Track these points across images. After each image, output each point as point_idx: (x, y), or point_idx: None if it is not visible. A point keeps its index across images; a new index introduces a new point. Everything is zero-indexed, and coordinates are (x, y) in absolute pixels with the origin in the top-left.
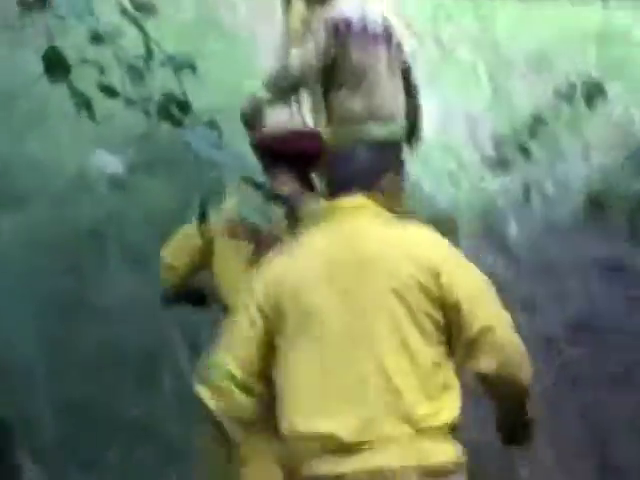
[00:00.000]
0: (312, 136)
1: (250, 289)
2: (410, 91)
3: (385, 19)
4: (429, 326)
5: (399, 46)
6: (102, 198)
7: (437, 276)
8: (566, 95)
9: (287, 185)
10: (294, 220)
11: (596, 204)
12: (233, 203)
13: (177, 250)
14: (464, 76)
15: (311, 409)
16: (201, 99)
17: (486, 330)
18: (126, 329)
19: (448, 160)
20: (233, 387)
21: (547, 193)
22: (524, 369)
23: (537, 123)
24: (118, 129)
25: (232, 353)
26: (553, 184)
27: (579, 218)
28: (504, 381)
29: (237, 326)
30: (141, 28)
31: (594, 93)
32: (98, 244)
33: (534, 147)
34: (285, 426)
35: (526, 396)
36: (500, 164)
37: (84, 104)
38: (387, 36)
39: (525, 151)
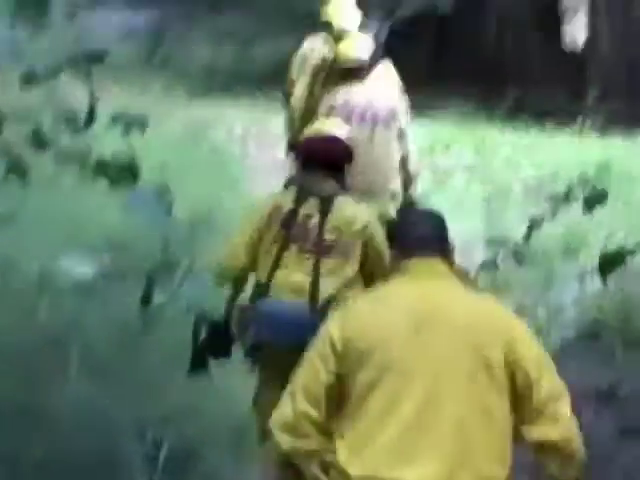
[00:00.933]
0: (336, 143)
1: (327, 332)
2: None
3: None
4: (505, 384)
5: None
6: (67, 303)
7: (512, 341)
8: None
9: (322, 183)
10: (325, 213)
11: (590, 332)
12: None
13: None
14: (458, 203)
15: (394, 458)
16: (183, 208)
17: (552, 400)
18: (79, 438)
19: None
20: (310, 426)
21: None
22: (579, 444)
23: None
24: (94, 232)
25: (306, 394)
26: (545, 310)
27: (571, 345)
28: (562, 452)
29: (310, 367)
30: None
31: (595, 198)
32: (58, 351)
33: (526, 271)
34: (360, 469)
35: (579, 469)
36: (489, 289)
37: (13, 164)
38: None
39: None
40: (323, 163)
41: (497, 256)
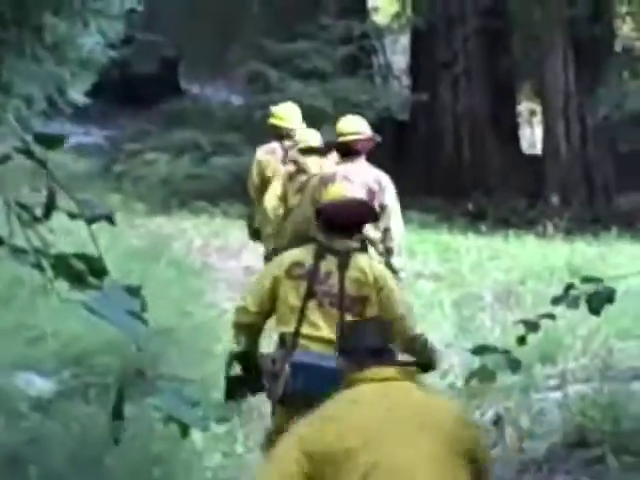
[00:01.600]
0: (360, 206)
1: (297, 433)
2: None
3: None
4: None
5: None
6: (24, 421)
7: (472, 436)
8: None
9: (341, 241)
10: (344, 269)
11: (576, 439)
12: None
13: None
14: (427, 308)
15: None
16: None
17: None
18: None
19: None
20: None
21: (522, 426)
22: None
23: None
24: (52, 344)
25: None
26: (528, 416)
27: (558, 453)
28: None
29: (279, 463)
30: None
31: (602, 297)
32: (16, 471)
33: (506, 376)
34: None
35: None
36: (467, 394)
37: None
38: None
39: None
40: (348, 225)
41: (488, 364)
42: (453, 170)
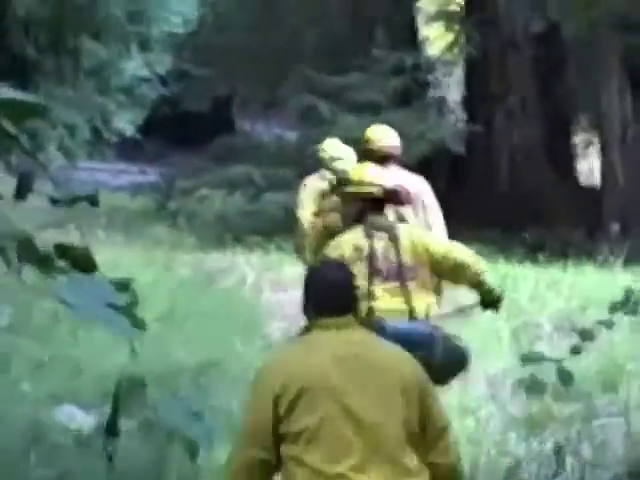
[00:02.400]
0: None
1: (263, 379)
2: None
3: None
4: (416, 414)
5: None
6: (64, 455)
7: (416, 374)
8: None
9: (384, 219)
10: (397, 242)
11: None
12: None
13: None
14: (485, 339)
15: (335, 459)
16: (192, 352)
17: (444, 430)
18: None
19: (466, 418)
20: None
21: (584, 456)
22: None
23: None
24: (92, 384)
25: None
26: (590, 446)
27: None
28: (452, 476)
29: (251, 411)
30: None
31: None
32: None
33: (565, 405)
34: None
35: None
36: (526, 424)
37: None
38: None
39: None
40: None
41: (544, 385)
42: (510, 202)
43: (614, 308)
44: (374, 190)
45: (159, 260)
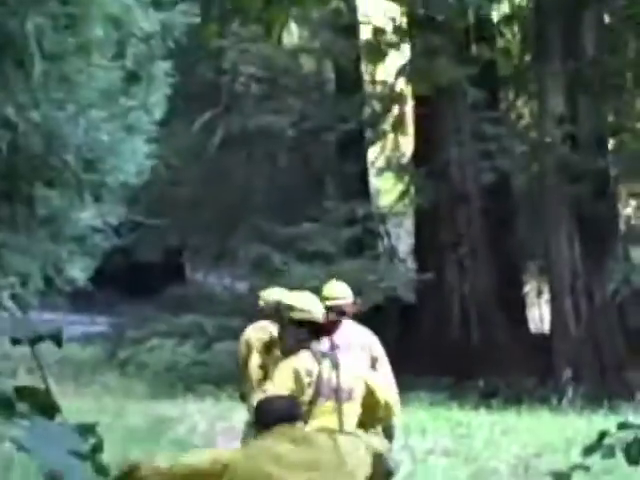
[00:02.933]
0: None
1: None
2: None
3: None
4: None
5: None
6: None
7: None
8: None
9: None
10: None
11: None
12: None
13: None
14: None
15: None
16: None
17: None
18: None
19: None
20: None
21: None
22: None
23: None
24: None
25: None
26: None
27: None
28: None
29: None
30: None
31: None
32: None
33: None
34: None
35: None
36: None
37: None
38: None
39: None
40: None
41: None
42: (462, 350)
43: (588, 451)
44: (319, 317)
45: (110, 408)
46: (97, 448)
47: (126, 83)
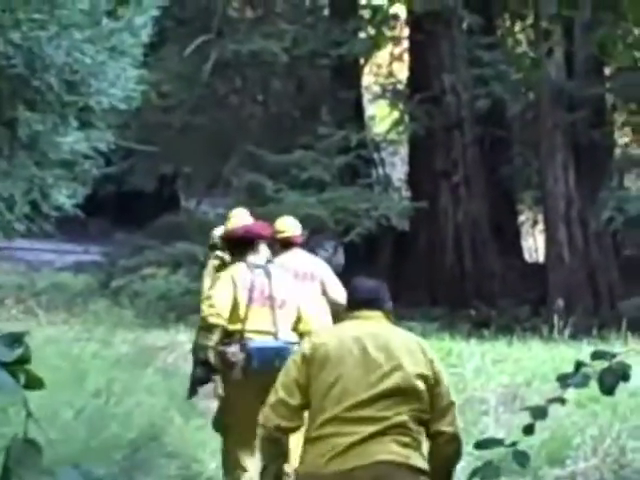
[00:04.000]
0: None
1: (301, 351)
2: None
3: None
4: (423, 387)
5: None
6: None
7: (431, 362)
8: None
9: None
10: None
11: None
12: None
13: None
14: None
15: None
16: (129, 427)
17: (451, 405)
18: None
19: None
20: (284, 408)
21: None
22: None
23: None
24: None
25: (284, 388)
26: None
27: None
28: (453, 441)
29: (288, 372)
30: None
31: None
32: None
33: (512, 478)
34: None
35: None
36: None
37: None
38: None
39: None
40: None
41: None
42: (455, 279)
43: (563, 380)
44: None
45: (99, 336)
46: (25, 359)
47: (111, 4)
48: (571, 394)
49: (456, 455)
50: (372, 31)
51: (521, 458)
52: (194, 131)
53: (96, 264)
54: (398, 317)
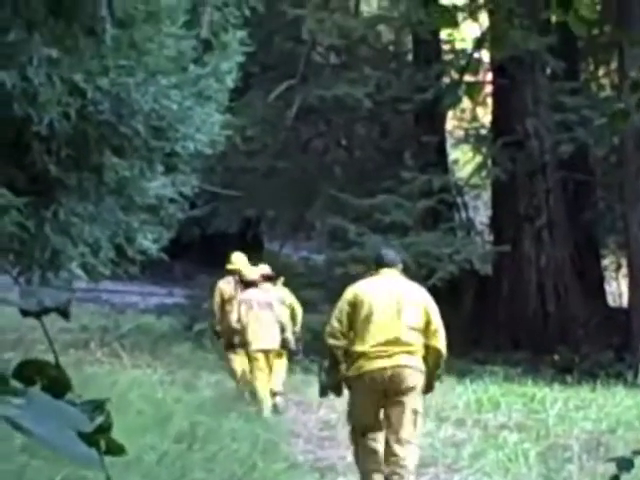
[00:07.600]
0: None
1: (345, 296)
2: None
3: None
4: (423, 319)
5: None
6: None
7: (430, 307)
8: None
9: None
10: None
11: None
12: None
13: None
14: (512, 460)
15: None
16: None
17: (437, 330)
18: None
19: None
20: (339, 334)
21: None
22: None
23: None
24: None
25: (337, 320)
26: None
27: None
28: (438, 352)
29: (338, 310)
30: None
31: None
32: None
33: None
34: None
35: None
36: None
37: None
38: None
39: None
40: None
41: None
42: (538, 323)
43: None
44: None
45: (182, 379)
46: (105, 428)
47: (198, 51)
48: None
49: (440, 361)
50: (455, 76)
51: None
52: (278, 175)
53: (180, 306)
54: (479, 361)
